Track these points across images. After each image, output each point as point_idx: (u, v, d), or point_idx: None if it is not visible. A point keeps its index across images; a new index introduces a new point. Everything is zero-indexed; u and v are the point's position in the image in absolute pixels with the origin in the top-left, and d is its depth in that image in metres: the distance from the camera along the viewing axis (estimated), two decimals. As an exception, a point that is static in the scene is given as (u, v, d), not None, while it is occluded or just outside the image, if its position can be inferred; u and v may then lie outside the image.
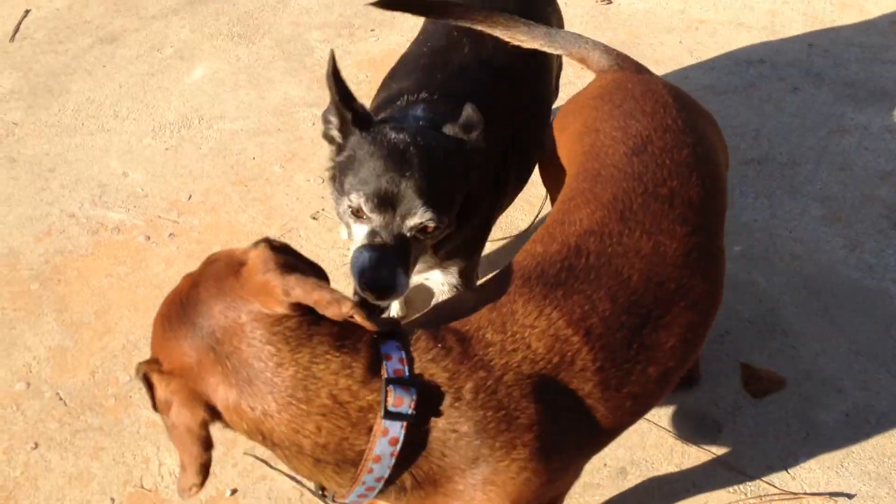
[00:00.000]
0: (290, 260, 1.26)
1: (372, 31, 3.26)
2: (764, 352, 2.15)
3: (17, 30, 3.11)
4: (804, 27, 3.34)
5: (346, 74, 1.72)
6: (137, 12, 3.25)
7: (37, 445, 1.96)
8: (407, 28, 3.22)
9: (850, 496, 1.90)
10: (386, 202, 1.60)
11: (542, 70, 2.13)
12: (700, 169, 1.59)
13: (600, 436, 1.42)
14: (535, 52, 1.99)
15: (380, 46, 3.18)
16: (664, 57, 3.18)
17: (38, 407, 2.02)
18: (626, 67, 1.89)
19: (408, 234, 1.63)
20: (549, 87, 2.19)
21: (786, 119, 2.93)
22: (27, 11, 3.23)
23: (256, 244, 1.31)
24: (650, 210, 1.50)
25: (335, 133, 1.70)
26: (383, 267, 1.59)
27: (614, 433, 1.47)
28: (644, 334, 1.42)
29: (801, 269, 2.41)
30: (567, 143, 1.75)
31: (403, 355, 1.29)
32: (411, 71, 2.00)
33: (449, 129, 1.68)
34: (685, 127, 1.65)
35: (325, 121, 1.71)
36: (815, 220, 2.56)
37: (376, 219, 1.60)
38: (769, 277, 2.38)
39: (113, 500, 1.87)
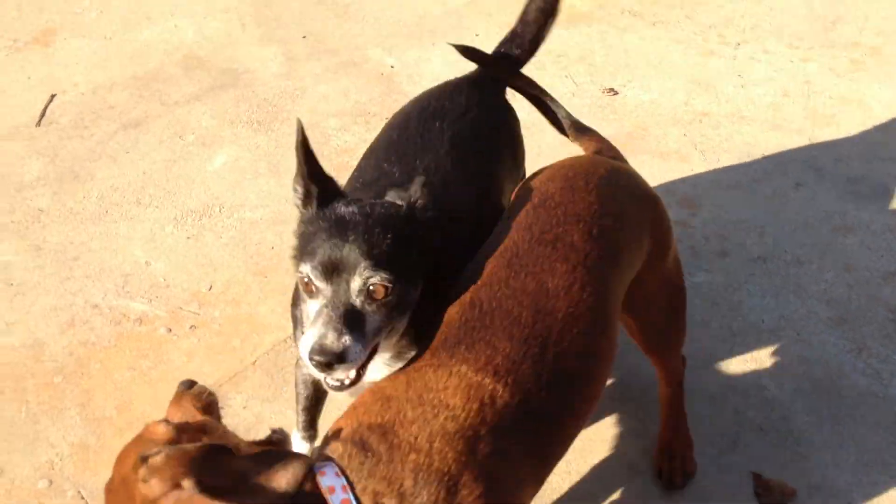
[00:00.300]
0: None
1: (386, 119, 3.33)
2: (776, 461, 2.19)
3: (43, 115, 3.18)
4: (805, 121, 3.43)
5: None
6: (161, 98, 3.32)
7: (61, 546, 1.99)
8: (421, 118, 3.30)
9: None
10: (331, 269, 1.60)
11: (509, 150, 2.21)
12: (593, 221, 1.74)
13: (541, 464, 1.58)
14: (503, 132, 2.10)
15: (394, 135, 3.25)
16: (669, 150, 3.26)
17: (61, 506, 2.06)
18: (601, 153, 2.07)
19: (358, 301, 1.60)
20: (512, 162, 2.24)
21: (790, 215, 3.00)
22: (52, 96, 3.30)
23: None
24: (534, 254, 1.67)
25: (298, 204, 1.72)
26: (329, 333, 1.56)
27: (553, 457, 1.63)
28: (547, 360, 1.58)
29: (811, 373, 2.47)
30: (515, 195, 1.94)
31: (344, 482, 1.36)
32: (380, 150, 2.06)
33: (395, 196, 1.71)
34: (594, 189, 1.81)
35: (294, 189, 1.73)
36: (822, 322, 2.63)
37: (325, 288, 1.60)
38: (779, 382, 2.44)
39: None
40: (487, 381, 1.52)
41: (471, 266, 1.73)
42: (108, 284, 2.60)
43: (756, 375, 2.45)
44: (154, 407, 2.28)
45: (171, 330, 2.49)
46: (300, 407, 2.00)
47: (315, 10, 3.87)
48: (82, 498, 2.09)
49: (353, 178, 2.05)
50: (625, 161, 2.09)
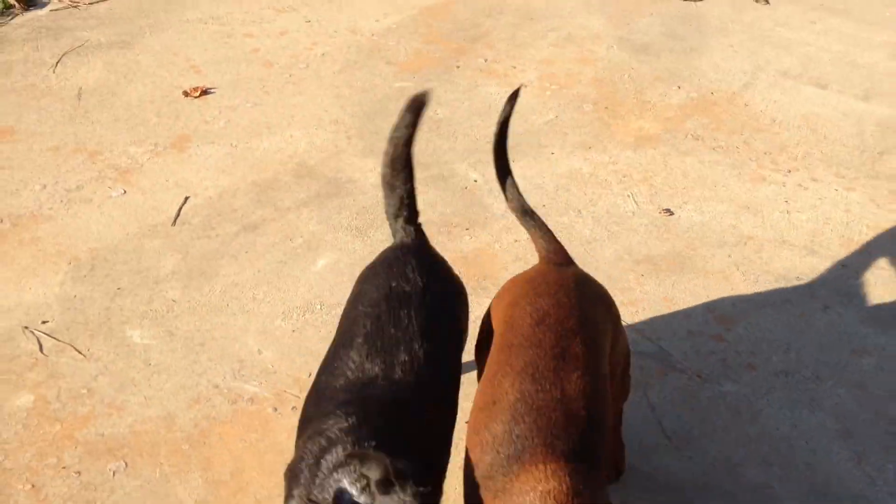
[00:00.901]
0: None
1: (467, 229, 3.86)
2: None
3: (178, 215, 3.78)
4: (841, 248, 3.82)
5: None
6: (275, 203, 3.90)
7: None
8: (498, 228, 3.81)
9: None
10: None
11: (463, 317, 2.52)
12: (585, 332, 2.25)
13: None
14: (457, 303, 2.54)
15: (472, 245, 3.76)
16: (713, 269, 3.69)
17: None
18: (554, 260, 2.56)
19: None
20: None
21: (814, 336, 3.40)
22: (186, 198, 3.91)
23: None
24: (550, 367, 2.14)
25: None
26: None
27: None
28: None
29: (812, 477, 2.87)
30: (498, 313, 2.40)
31: None
32: (357, 341, 2.26)
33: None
34: (576, 303, 2.31)
35: None
36: (830, 434, 3.02)
37: None
38: (784, 484, 2.84)
39: None
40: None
41: (501, 384, 2.16)
42: (227, 368, 3.15)
43: (765, 476, 2.86)
44: (261, 473, 2.80)
45: (276, 409, 3.02)
46: None
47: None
48: (201, 546, 2.62)
49: (332, 369, 2.26)
50: (570, 261, 2.58)
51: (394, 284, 2.35)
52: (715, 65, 5.08)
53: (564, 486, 1.92)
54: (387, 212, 2.57)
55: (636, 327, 3.38)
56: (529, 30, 5.37)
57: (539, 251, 2.65)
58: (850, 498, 2.81)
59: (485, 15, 5.49)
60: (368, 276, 2.46)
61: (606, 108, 4.68)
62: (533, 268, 2.59)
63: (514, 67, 4.99)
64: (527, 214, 2.67)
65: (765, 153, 4.38)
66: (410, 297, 2.32)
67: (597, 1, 5.69)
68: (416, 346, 2.24)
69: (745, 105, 4.75)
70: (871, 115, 4.68)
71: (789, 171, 4.25)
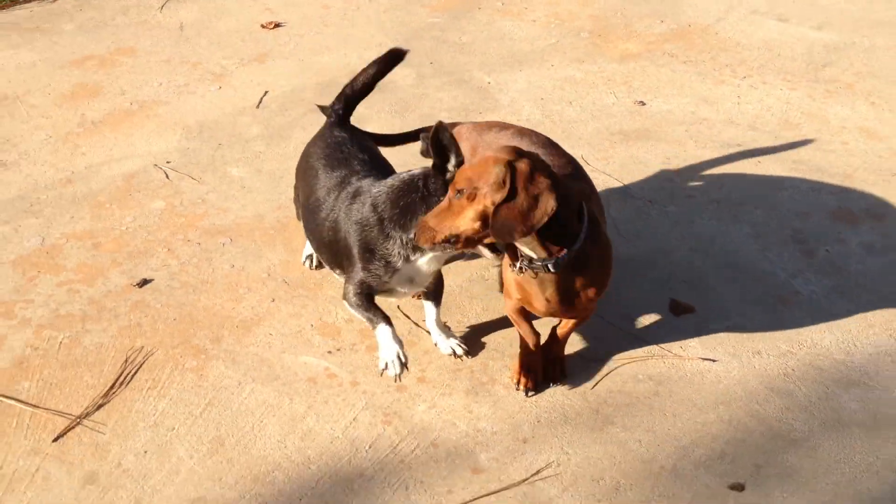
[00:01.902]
0: None
1: (480, 113, 4.95)
2: (686, 297, 3.66)
3: (260, 102, 4.95)
4: (777, 126, 4.83)
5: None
6: (333, 95, 5.05)
7: None
8: (503, 113, 4.91)
9: (713, 360, 3.38)
10: None
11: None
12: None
13: None
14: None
15: (485, 123, 4.85)
16: (672, 139, 4.72)
17: None
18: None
19: None
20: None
21: (746, 180, 4.42)
22: (266, 92, 5.07)
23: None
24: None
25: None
26: None
27: None
28: None
29: (727, 259, 3.90)
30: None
31: None
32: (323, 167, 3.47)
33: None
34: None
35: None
36: (745, 235, 4.05)
37: None
38: (705, 260, 3.88)
39: None
40: None
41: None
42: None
43: (692, 257, 3.91)
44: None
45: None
46: None
47: (440, 47, 5.57)
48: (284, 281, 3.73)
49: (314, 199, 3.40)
50: None
51: (329, 141, 3.51)
52: (695, 5, 6.15)
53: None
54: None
55: (606, 172, 4.44)
56: (543, -18, 6.47)
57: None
58: (755, 271, 3.84)
59: (506, -28, 6.61)
60: (313, 141, 3.59)
61: (599, 35, 5.77)
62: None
63: (526, 8, 6.10)
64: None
65: (726, 65, 5.43)
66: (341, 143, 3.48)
67: (601, -39, 6.78)
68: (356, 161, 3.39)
69: (716, 34, 5.81)
70: (820, 39, 5.71)
71: (745, 77, 5.29)
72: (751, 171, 4.45)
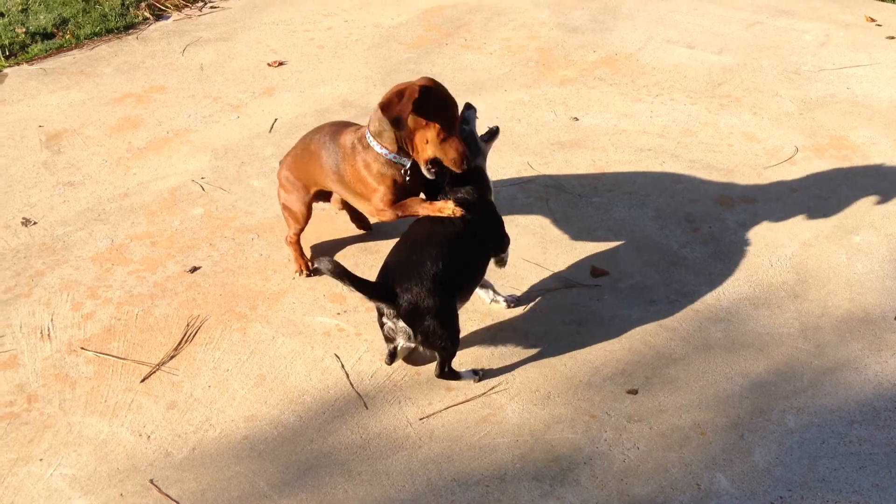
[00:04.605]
0: None
1: (448, 131, 5.97)
2: (602, 264, 4.70)
3: (272, 127, 5.95)
4: (679, 134, 5.89)
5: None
6: (330, 119, 6.06)
7: None
8: (465, 130, 5.93)
9: (600, 285, 4.41)
10: None
11: None
12: None
13: None
14: None
15: (451, 139, 5.88)
16: (598, 146, 5.77)
17: None
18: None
19: None
20: None
21: (652, 178, 5.47)
22: (276, 119, 6.09)
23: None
24: None
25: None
26: None
27: None
28: None
29: (633, 234, 4.95)
30: None
31: None
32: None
33: None
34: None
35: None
36: (648, 217, 5.08)
37: None
38: (616, 237, 4.93)
39: None
40: None
41: None
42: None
43: (607, 236, 4.95)
44: (331, 235, 4.92)
45: (336, 213, 5.16)
46: None
47: (414, 77, 6.58)
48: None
49: None
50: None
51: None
52: (621, 37, 7.20)
53: None
54: None
55: (546, 173, 5.47)
56: (497, 21, 7.52)
57: None
58: (654, 244, 4.87)
59: (466, 12, 7.65)
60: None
61: (544, 64, 6.81)
62: None
63: (485, 43, 7.14)
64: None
65: (643, 86, 6.48)
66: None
67: (545, 1, 7.83)
68: None
69: (637, 60, 6.86)
70: (719, 62, 6.77)
71: (657, 95, 6.34)
72: (657, 170, 5.48)
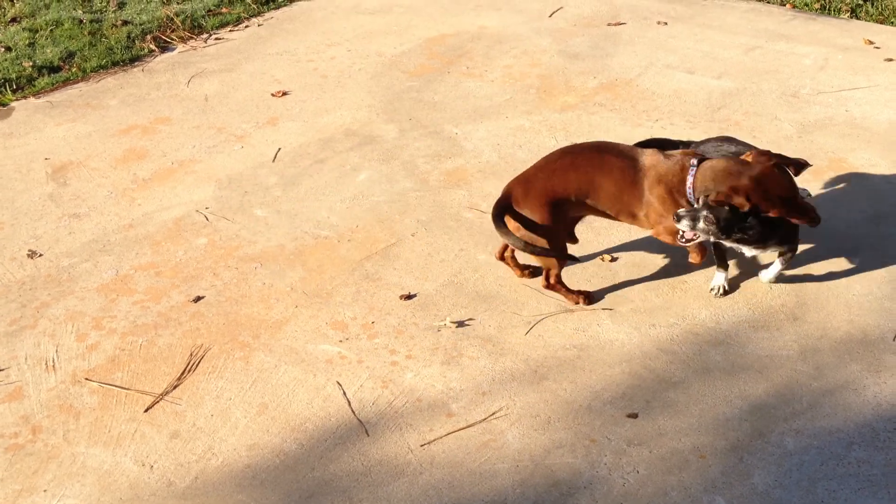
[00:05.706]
0: None
1: (450, 158, 6.03)
2: (605, 289, 4.73)
3: (275, 156, 6.02)
4: (678, 158, 5.94)
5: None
6: (333, 149, 6.11)
7: None
8: (467, 157, 5.98)
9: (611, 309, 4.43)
10: None
11: None
12: None
13: None
14: None
15: (452, 165, 5.94)
16: (598, 172, 5.82)
17: None
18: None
19: None
20: None
21: (651, 200, 5.51)
22: (279, 149, 6.15)
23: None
24: None
25: None
26: None
27: None
28: None
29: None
30: None
31: None
32: None
33: None
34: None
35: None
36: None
37: None
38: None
39: None
40: None
41: None
42: (310, 224, 5.31)
43: (608, 256, 4.98)
44: (331, 267, 4.97)
45: (338, 241, 5.20)
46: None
47: (417, 105, 6.66)
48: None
49: None
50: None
51: None
52: (621, 63, 7.26)
53: None
54: None
55: (545, 199, 5.49)
56: (498, 49, 7.59)
57: None
58: (655, 267, 4.90)
59: (468, 41, 7.73)
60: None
61: (545, 91, 6.87)
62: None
63: (486, 71, 7.21)
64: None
65: (643, 111, 6.52)
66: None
67: (546, 28, 7.91)
68: None
69: (637, 86, 6.91)
70: (719, 87, 6.82)
71: (657, 120, 6.38)
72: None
